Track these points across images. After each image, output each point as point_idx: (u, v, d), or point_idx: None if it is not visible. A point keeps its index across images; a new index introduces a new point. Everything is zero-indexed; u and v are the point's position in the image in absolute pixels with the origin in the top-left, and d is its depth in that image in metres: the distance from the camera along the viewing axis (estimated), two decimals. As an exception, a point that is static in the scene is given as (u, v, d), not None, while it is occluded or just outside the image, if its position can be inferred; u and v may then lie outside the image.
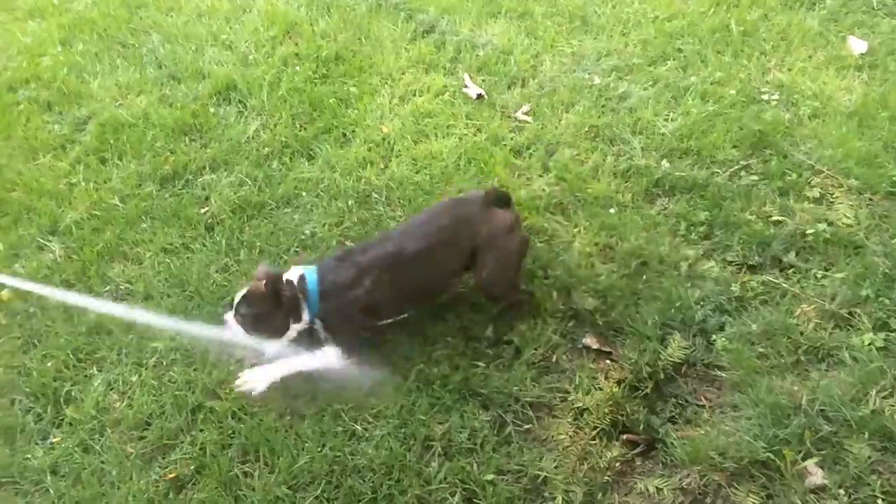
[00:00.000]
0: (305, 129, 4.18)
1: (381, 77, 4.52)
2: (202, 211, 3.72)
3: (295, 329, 2.94)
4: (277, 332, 2.92)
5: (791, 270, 3.26)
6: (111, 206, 3.74)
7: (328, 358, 2.90)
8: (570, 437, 2.78)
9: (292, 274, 2.92)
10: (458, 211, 3.03)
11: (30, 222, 3.66)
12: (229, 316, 2.87)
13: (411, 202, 3.69)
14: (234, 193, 3.78)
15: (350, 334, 2.94)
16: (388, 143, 4.06)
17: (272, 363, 2.93)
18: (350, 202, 3.72)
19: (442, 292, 3.15)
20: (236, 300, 2.86)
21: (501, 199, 3.07)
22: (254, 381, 2.89)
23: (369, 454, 2.72)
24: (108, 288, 3.35)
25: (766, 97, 4.15)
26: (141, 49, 4.89)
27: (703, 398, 2.90)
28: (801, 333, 3.00)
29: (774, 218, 3.46)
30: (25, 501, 2.64)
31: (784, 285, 3.19)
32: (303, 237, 3.54)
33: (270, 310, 2.84)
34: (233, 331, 2.87)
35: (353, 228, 3.58)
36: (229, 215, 3.66)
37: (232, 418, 2.84)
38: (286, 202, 3.76)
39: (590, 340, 3.08)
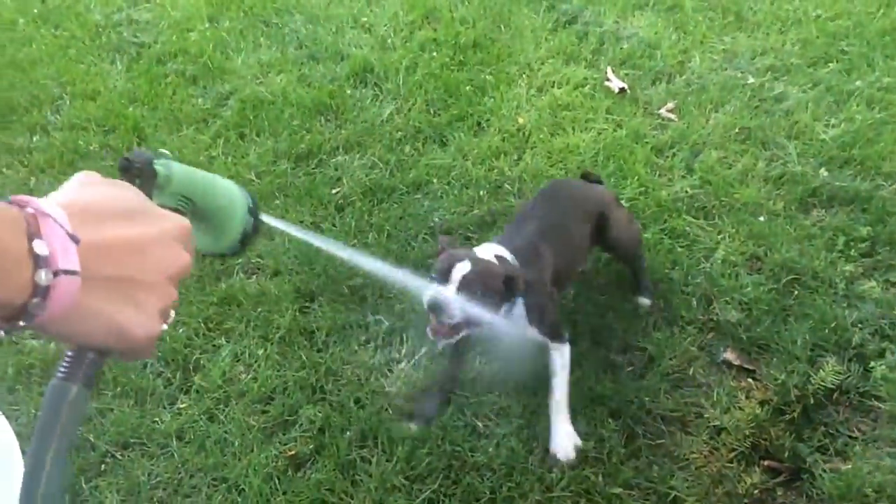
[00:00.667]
0: (439, 115, 4.12)
1: (520, 67, 4.40)
2: (334, 191, 3.72)
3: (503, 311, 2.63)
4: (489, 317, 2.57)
5: (966, 297, 2.94)
6: (247, 181, 3.79)
7: (562, 352, 2.66)
8: (705, 456, 2.60)
9: (484, 252, 2.55)
10: (570, 188, 3.01)
11: None
12: (444, 290, 2.34)
13: (544, 195, 3.56)
14: (366, 176, 3.76)
15: (554, 313, 2.71)
16: (524, 134, 3.95)
17: (556, 416, 2.61)
18: (481, 192, 3.62)
19: (582, 268, 3.08)
20: (457, 273, 2.34)
21: (597, 178, 3.14)
22: (564, 448, 2.58)
23: (490, 452, 2.62)
24: (239, 261, 3.38)
25: (940, 106, 3.79)
26: (283, 28, 4.96)
27: (856, 429, 2.64)
28: (975, 369, 2.70)
29: (948, 238, 3.14)
30: (151, 463, 2.69)
31: (956, 316, 2.88)
32: (431, 224, 3.48)
33: (498, 289, 2.40)
34: (451, 311, 2.32)
35: (483, 218, 3.49)
36: (360, 197, 3.65)
37: (354, 403, 2.81)
38: (416, 188, 3.70)
39: (731, 355, 2.87)
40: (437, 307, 2.31)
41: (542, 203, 2.85)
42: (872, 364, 2.75)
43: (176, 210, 1.07)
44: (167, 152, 1.06)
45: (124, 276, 0.77)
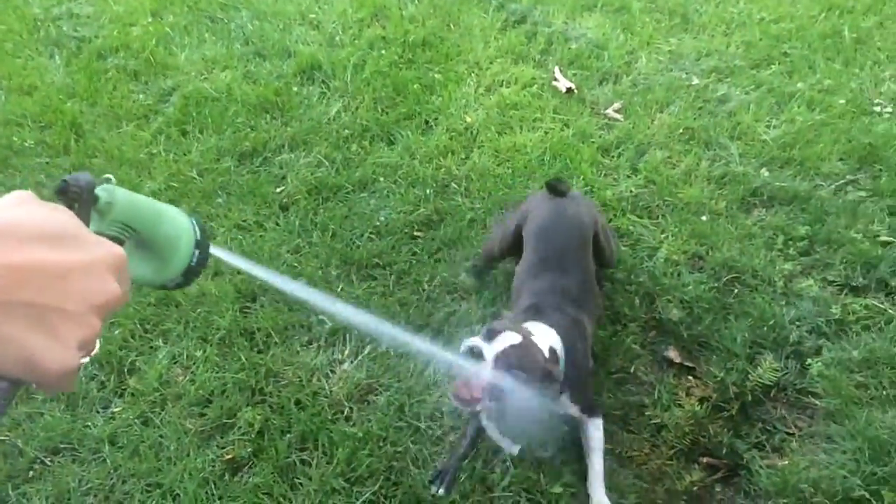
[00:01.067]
0: (387, 113, 4.08)
1: (468, 66, 4.39)
2: (278, 190, 3.66)
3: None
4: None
5: (899, 296, 3.01)
6: (189, 179, 3.72)
7: (598, 426, 2.56)
8: (646, 454, 2.60)
9: (538, 333, 2.34)
10: (571, 219, 2.77)
11: None
12: (482, 344, 2.15)
13: (491, 195, 3.55)
14: (311, 174, 3.71)
15: (591, 388, 2.62)
16: (471, 132, 3.93)
17: (596, 489, 2.46)
18: (428, 191, 3.60)
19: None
20: (503, 341, 2.16)
21: (567, 187, 2.90)
22: None
23: (431, 454, 2.60)
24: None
25: (878, 109, 3.87)
26: (229, 24, 4.88)
27: (793, 426, 2.68)
28: (908, 365, 2.75)
29: (883, 238, 3.20)
30: (82, 469, 2.60)
31: (890, 311, 2.94)
32: (377, 223, 3.44)
33: (534, 378, 2.18)
34: (483, 363, 2.12)
35: (429, 217, 3.46)
36: (304, 196, 3.59)
37: (295, 405, 2.76)
38: (363, 186, 3.66)
39: (672, 353, 2.89)
40: (471, 354, 2.13)
41: (554, 253, 2.68)
42: (809, 361, 2.79)
43: (115, 239, 1.01)
44: (112, 178, 1.01)
45: (42, 303, 0.72)
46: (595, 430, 2.54)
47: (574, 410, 2.50)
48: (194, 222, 1.16)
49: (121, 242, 1.03)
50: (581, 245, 2.74)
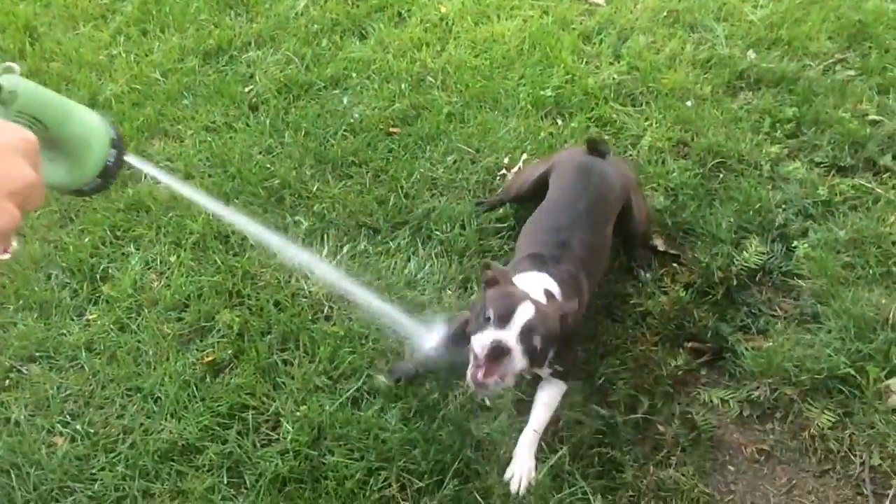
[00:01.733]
0: (358, 5, 3.89)
1: (442, -48, 4.17)
2: (246, 89, 3.51)
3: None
4: (543, 363, 2.20)
5: (887, 174, 2.96)
6: (152, 81, 3.55)
7: (560, 389, 2.37)
8: (632, 342, 2.58)
9: (532, 286, 2.22)
10: (598, 180, 2.54)
11: (69, 94, 3.40)
12: (504, 336, 2.00)
13: (469, 87, 3.42)
14: (280, 72, 3.55)
15: (575, 356, 2.45)
16: (446, 23, 3.76)
17: (525, 448, 2.26)
18: (403, 85, 3.46)
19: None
20: (520, 319, 2.02)
21: (608, 148, 2.67)
22: (519, 481, 2.23)
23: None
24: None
25: (869, -16, 3.72)
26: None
27: (778, 308, 2.66)
28: (894, 243, 2.72)
29: (871, 117, 3.13)
30: (60, 376, 2.56)
31: (878, 190, 2.89)
32: (351, 120, 3.32)
33: (557, 335, 2.10)
34: (512, 360, 2.00)
35: (406, 113, 3.34)
36: (274, 95, 3.45)
37: (274, 306, 2.70)
38: (335, 83, 3.52)
39: (657, 241, 2.83)
40: (498, 355, 1.99)
41: (572, 205, 2.47)
42: (795, 243, 2.75)
43: None
44: (15, 66, 0.94)
45: None
46: (555, 391, 2.35)
47: (544, 372, 2.33)
48: (108, 122, 1.09)
49: None
50: (602, 211, 2.51)
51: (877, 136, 3.04)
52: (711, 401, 2.44)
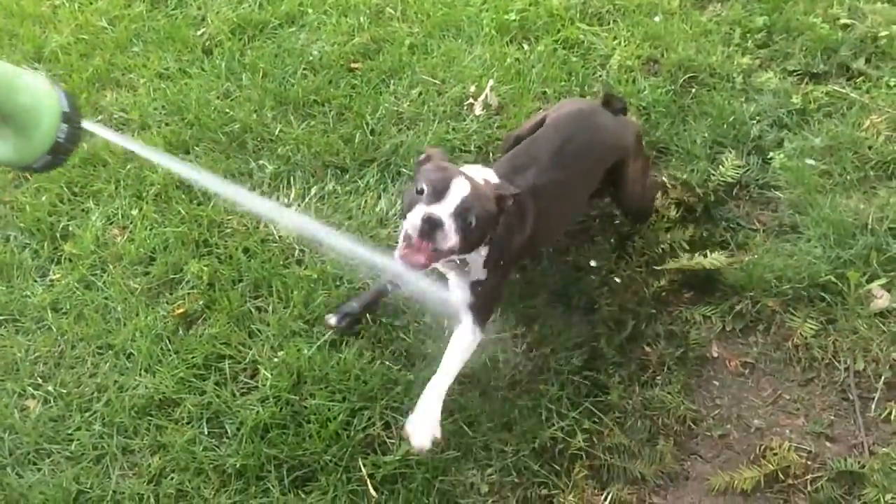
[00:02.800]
0: (309, -62, 3.72)
1: None
2: (198, 32, 3.36)
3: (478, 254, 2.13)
4: (476, 247, 2.07)
5: (860, 79, 2.91)
6: (98, 30, 3.39)
7: (474, 336, 2.17)
8: (614, 263, 2.53)
9: (475, 172, 2.10)
10: (590, 127, 2.35)
11: (13, 49, 3.33)
12: (440, 210, 1.90)
13: (430, 17, 3.30)
14: (233, 12, 3.40)
15: (498, 285, 2.26)
16: (403, -49, 3.61)
17: (430, 396, 2.06)
18: (362, 18, 3.33)
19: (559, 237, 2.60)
20: (455, 194, 1.93)
21: (623, 105, 2.49)
22: (421, 435, 2.00)
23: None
24: (100, 117, 3.06)
25: None
26: None
27: (756, 221, 2.62)
28: (870, 147, 2.69)
29: (843, 21, 3.07)
30: (27, 339, 2.48)
31: (852, 95, 2.84)
32: (310, 58, 3.19)
33: (493, 215, 2.01)
34: (446, 234, 1.90)
35: (366, 47, 3.22)
36: (228, 36, 3.31)
37: (243, 254, 2.62)
38: (290, 20, 3.38)
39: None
40: (431, 228, 1.89)
41: (554, 139, 2.29)
42: (771, 154, 2.72)
43: None
44: None
45: None
46: (468, 336, 2.15)
47: (464, 297, 2.17)
48: (62, 93, 0.98)
49: None
50: (581, 159, 2.29)
51: (849, 41, 2.98)
52: (694, 318, 2.42)
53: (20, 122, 0.93)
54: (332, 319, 2.42)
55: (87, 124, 1.06)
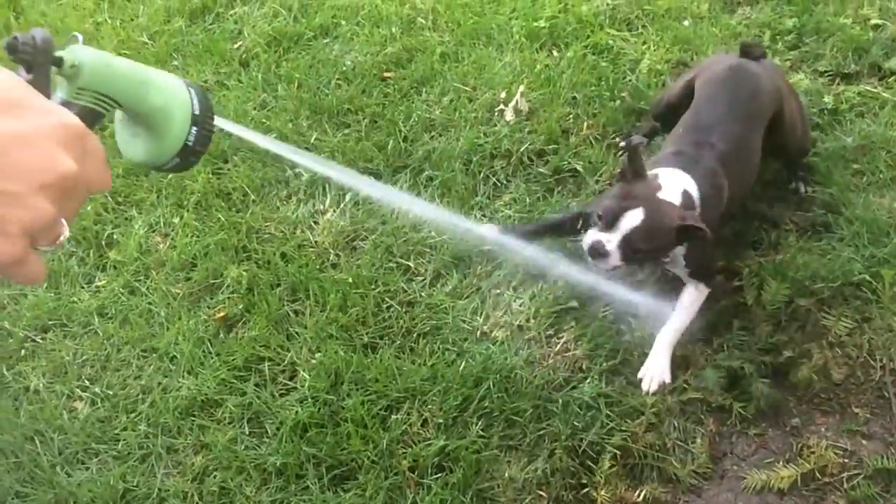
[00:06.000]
0: (342, -47, 3.81)
1: None
2: (235, 46, 3.46)
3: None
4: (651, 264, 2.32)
5: (892, 78, 2.89)
6: (140, 45, 3.51)
7: (701, 292, 2.35)
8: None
9: (670, 184, 2.19)
10: (747, 81, 2.43)
11: None
12: (606, 240, 2.10)
13: (461, 25, 3.35)
14: (269, 25, 3.49)
15: (712, 250, 2.38)
16: (433, -38, 3.68)
17: (660, 347, 2.28)
18: (394, 29, 3.40)
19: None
20: (626, 224, 2.08)
21: (762, 51, 2.58)
22: (652, 378, 2.27)
23: (422, 290, 2.55)
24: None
25: None
26: None
27: (789, 221, 2.61)
28: (904, 146, 2.67)
29: (874, 21, 3.05)
30: (75, 343, 2.57)
31: (884, 95, 2.83)
32: (344, 68, 3.27)
33: (668, 243, 2.16)
34: (609, 262, 2.13)
35: (398, 56, 3.28)
36: (264, 49, 3.40)
37: (281, 259, 2.69)
38: (324, 32, 3.46)
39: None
40: (594, 255, 2.14)
41: (717, 102, 2.39)
42: (804, 155, 2.71)
43: (91, 111, 0.86)
44: (79, 36, 0.86)
45: None
46: (695, 293, 2.33)
47: (682, 272, 2.34)
48: (193, 93, 0.97)
49: (100, 116, 0.88)
50: (750, 112, 2.39)
51: (880, 41, 2.97)
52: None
53: (152, 122, 0.94)
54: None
55: (220, 122, 1.07)
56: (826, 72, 2.94)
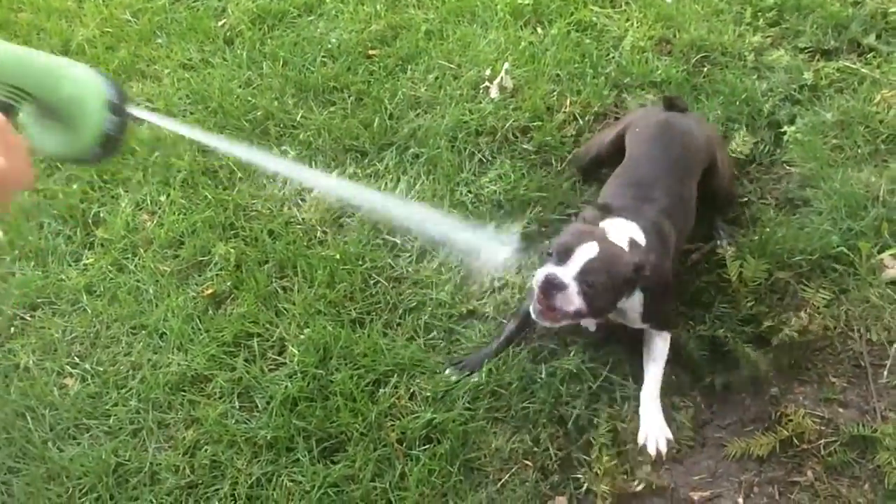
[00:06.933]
0: (325, -71, 3.79)
1: None
2: (220, 23, 3.45)
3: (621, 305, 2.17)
4: (607, 311, 2.14)
5: (871, 54, 2.94)
6: (123, 22, 3.49)
7: (665, 339, 2.29)
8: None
9: (618, 232, 2.15)
10: (682, 134, 2.42)
11: (40, 42, 3.43)
12: (560, 273, 1.99)
13: (445, 2, 3.36)
14: (252, 2, 3.48)
15: (670, 301, 2.34)
16: (417, -61, 3.67)
17: (649, 406, 2.20)
18: (378, 6, 3.40)
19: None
20: (581, 257, 2.00)
21: (685, 104, 2.58)
22: (655, 440, 2.17)
23: (408, 265, 2.59)
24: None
25: None
26: None
27: (769, 196, 2.67)
28: (881, 121, 2.73)
29: (852, -2, 3.09)
30: (64, 321, 2.58)
31: (863, 70, 2.88)
32: (329, 46, 3.27)
33: (625, 282, 2.06)
34: (567, 297, 1.99)
35: (383, 34, 3.29)
36: (248, 26, 3.39)
37: (268, 236, 2.71)
38: (309, 9, 3.45)
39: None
40: (549, 290, 1.99)
41: (654, 157, 2.37)
42: (784, 129, 2.75)
43: (4, 105, 0.86)
44: None
45: None
46: (661, 343, 2.27)
47: (640, 322, 2.26)
48: (107, 83, 0.97)
49: (9, 108, 0.88)
50: (687, 165, 2.38)
51: (859, 17, 3.01)
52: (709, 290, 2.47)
53: (66, 114, 0.92)
54: (450, 371, 2.35)
55: (136, 111, 1.05)
56: (806, 48, 2.98)
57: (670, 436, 2.18)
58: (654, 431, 2.17)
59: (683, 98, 2.64)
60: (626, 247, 2.11)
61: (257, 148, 2.85)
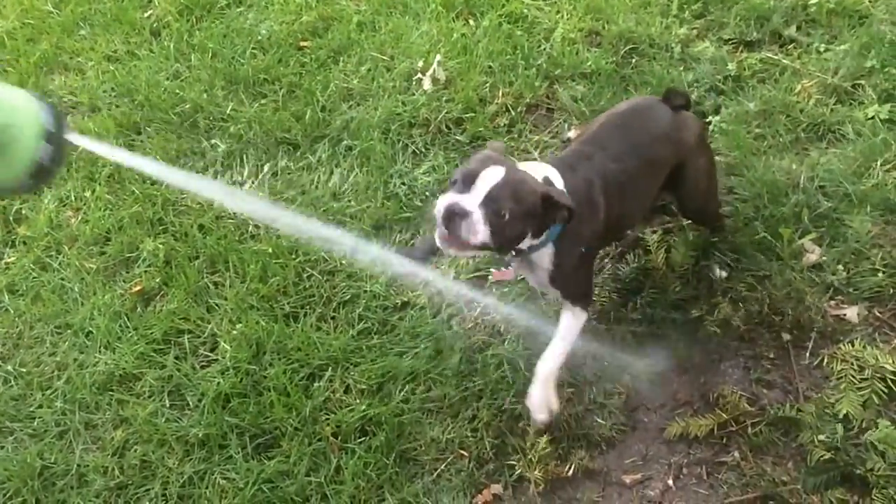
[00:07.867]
0: (254, -81, 3.73)
1: None
2: (146, 14, 3.38)
3: (524, 246, 1.99)
4: (515, 243, 1.93)
5: (791, 45, 3.02)
6: (44, 14, 3.39)
7: (577, 318, 2.13)
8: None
9: (531, 168, 1.99)
10: (652, 119, 2.25)
11: None
12: (464, 201, 1.80)
13: (378, -5, 3.35)
14: (180, -7, 3.42)
15: (585, 271, 2.20)
16: (348, -70, 3.64)
17: (542, 380, 2.08)
18: (309, -3, 3.37)
19: (636, 224, 2.49)
20: (485, 182, 1.81)
21: (684, 101, 2.33)
22: (540, 410, 2.08)
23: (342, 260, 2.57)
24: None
25: None
26: None
27: (695, 184, 2.72)
28: (801, 111, 2.80)
29: (775, -11, 3.17)
30: (-16, 322, 2.50)
31: (784, 61, 2.95)
32: (259, 38, 3.23)
33: (533, 211, 1.86)
34: (472, 225, 1.78)
35: (315, 25, 3.26)
36: (176, 17, 3.32)
37: (199, 231, 2.66)
38: (238, 1, 3.41)
39: (572, 133, 2.86)
40: (452, 218, 1.79)
41: (613, 131, 2.20)
42: (710, 119, 2.81)
43: None
44: None
45: None
46: (571, 319, 2.12)
47: (555, 292, 2.15)
48: (44, 109, 0.91)
49: None
50: (643, 153, 2.18)
51: (781, 9, 3.09)
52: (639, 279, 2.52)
53: None
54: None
55: (77, 140, 0.97)
56: (730, 39, 3.05)
57: (556, 408, 2.10)
58: (538, 403, 2.07)
59: (686, 94, 2.40)
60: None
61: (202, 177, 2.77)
